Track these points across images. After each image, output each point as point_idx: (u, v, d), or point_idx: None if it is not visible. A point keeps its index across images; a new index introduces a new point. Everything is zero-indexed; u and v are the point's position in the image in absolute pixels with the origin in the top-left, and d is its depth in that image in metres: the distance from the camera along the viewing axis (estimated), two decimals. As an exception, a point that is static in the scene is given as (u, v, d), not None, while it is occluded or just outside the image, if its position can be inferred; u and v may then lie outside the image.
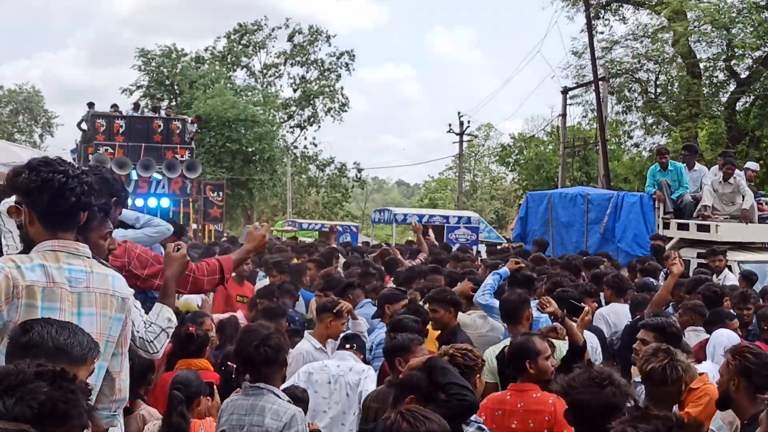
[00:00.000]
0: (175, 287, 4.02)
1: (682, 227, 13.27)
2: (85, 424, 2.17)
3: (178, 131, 24.03)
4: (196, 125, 27.19)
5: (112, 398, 3.31)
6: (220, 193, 25.95)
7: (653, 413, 2.83)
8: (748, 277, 10.31)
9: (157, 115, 26.23)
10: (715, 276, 10.42)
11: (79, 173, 3.19)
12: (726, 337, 6.30)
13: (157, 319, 3.72)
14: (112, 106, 25.30)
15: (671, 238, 13.28)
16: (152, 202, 21.86)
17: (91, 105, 25.06)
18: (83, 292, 3.14)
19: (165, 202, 22.34)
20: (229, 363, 5.28)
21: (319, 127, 54.47)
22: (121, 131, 23.25)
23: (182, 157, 23.50)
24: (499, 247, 19.07)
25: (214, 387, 4.92)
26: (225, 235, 24.89)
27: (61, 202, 3.11)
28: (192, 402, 4.51)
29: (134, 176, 21.74)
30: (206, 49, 53.01)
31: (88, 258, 3.23)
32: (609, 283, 8.70)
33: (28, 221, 3.16)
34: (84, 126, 24.60)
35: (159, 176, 22.63)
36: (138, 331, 3.61)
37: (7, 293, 2.95)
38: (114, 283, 3.28)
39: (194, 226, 24.11)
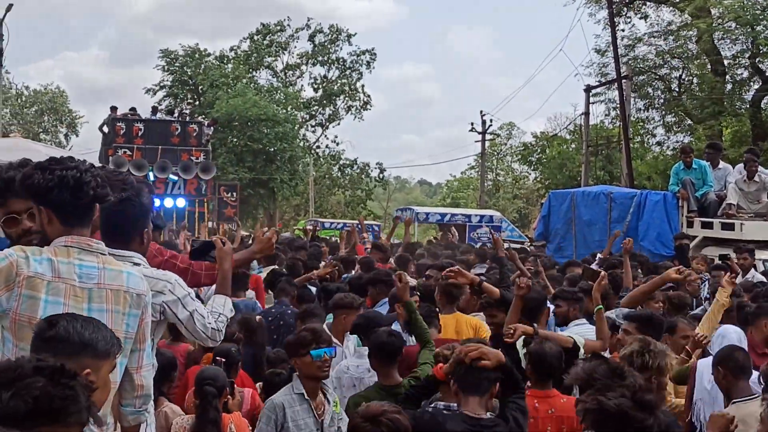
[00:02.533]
0: (230, 278, 4.17)
1: (706, 226, 13.17)
2: (84, 422, 2.15)
3: (194, 134, 24.90)
4: (212, 128, 27.98)
5: (134, 394, 3.35)
6: (234, 194, 27.42)
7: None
8: None
9: (173, 117, 27.00)
10: (740, 275, 10.31)
11: (89, 167, 3.23)
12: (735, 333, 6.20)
13: (223, 310, 3.88)
14: (130, 109, 26.06)
15: (695, 237, 13.17)
16: (168, 203, 22.53)
17: (113, 109, 25.72)
18: (94, 288, 3.15)
19: (180, 202, 23.43)
20: (218, 358, 5.37)
21: (339, 123, 54.95)
22: (140, 134, 24.12)
23: (197, 159, 24.32)
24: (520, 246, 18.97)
25: (235, 385, 4.97)
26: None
27: (81, 196, 3.14)
28: (220, 396, 4.62)
29: (151, 177, 22.22)
30: (231, 49, 53.58)
31: (102, 254, 3.25)
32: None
33: (47, 222, 3.19)
34: (105, 129, 25.32)
35: (175, 177, 23.49)
36: (209, 323, 3.75)
37: (7, 280, 2.99)
38: (129, 280, 3.28)
39: (210, 224, 24.85)
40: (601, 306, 5.91)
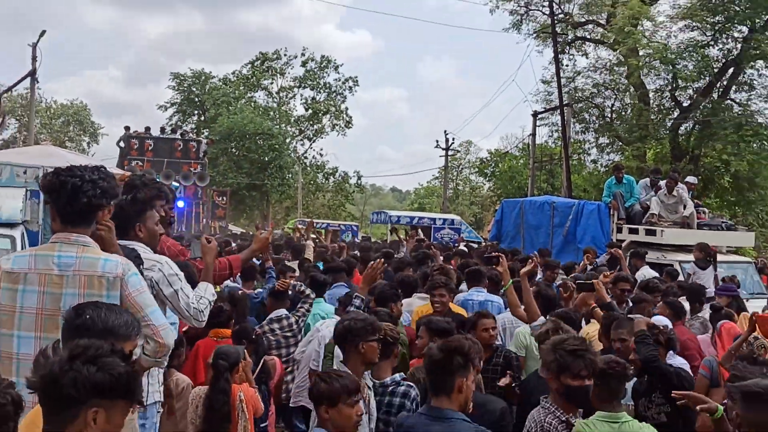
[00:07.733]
0: (212, 269, 4.18)
1: (633, 232, 13.31)
2: (141, 401, 2.19)
3: (193, 149, 26.32)
4: (208, 146, 29.06)
5: (155, 349, 3.26)
6: (224, 198, 29.20)
7: None
8: (670, 273, 10.25)
9: (178, 136, 28.26)
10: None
11: (95, 178, 3.19)
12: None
13: (205, 293, 3.87)
14: (145, 128, 26.93)
15: (623, 241, 13.29)
16: None
17: (127, 128, 26.51)
18: (71, 275, 3.14)
19: (180, 204, 24.23)
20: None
21: (324, 138, 55.12)
22: (150, 149, 25.64)
23: (195, 169, 25.65)
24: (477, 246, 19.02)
25: (245, 351, 4.98)
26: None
27: (74, 202, 3.15)
28: (232, 370, 4.65)
29: None
30: (233, 73, 53.68)
31: (85, 246, 3.21)
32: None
33: (53, 219, 3.24)
34: (121, 144, 26.34)
35: (177, 184, 24.25)
36: (192, 303, 3.73)
37: None
38: (105, 265, 3.17)
39: (204, 221, 26.04)
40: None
